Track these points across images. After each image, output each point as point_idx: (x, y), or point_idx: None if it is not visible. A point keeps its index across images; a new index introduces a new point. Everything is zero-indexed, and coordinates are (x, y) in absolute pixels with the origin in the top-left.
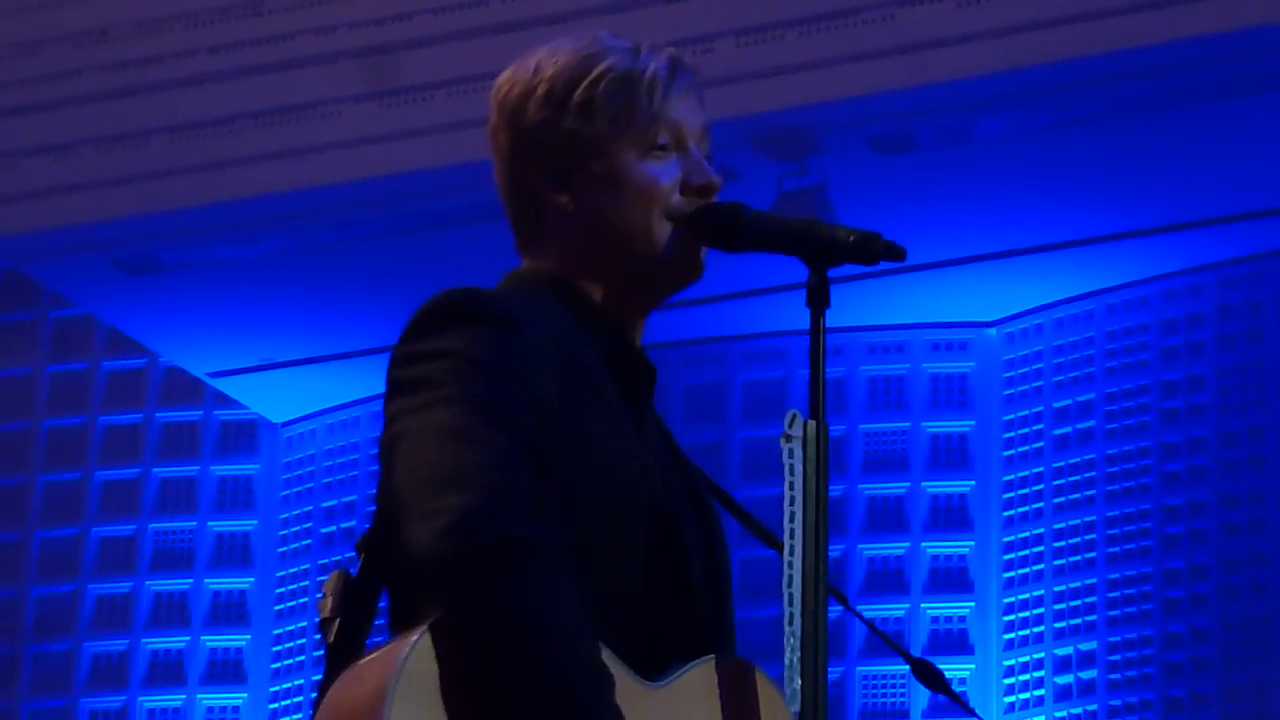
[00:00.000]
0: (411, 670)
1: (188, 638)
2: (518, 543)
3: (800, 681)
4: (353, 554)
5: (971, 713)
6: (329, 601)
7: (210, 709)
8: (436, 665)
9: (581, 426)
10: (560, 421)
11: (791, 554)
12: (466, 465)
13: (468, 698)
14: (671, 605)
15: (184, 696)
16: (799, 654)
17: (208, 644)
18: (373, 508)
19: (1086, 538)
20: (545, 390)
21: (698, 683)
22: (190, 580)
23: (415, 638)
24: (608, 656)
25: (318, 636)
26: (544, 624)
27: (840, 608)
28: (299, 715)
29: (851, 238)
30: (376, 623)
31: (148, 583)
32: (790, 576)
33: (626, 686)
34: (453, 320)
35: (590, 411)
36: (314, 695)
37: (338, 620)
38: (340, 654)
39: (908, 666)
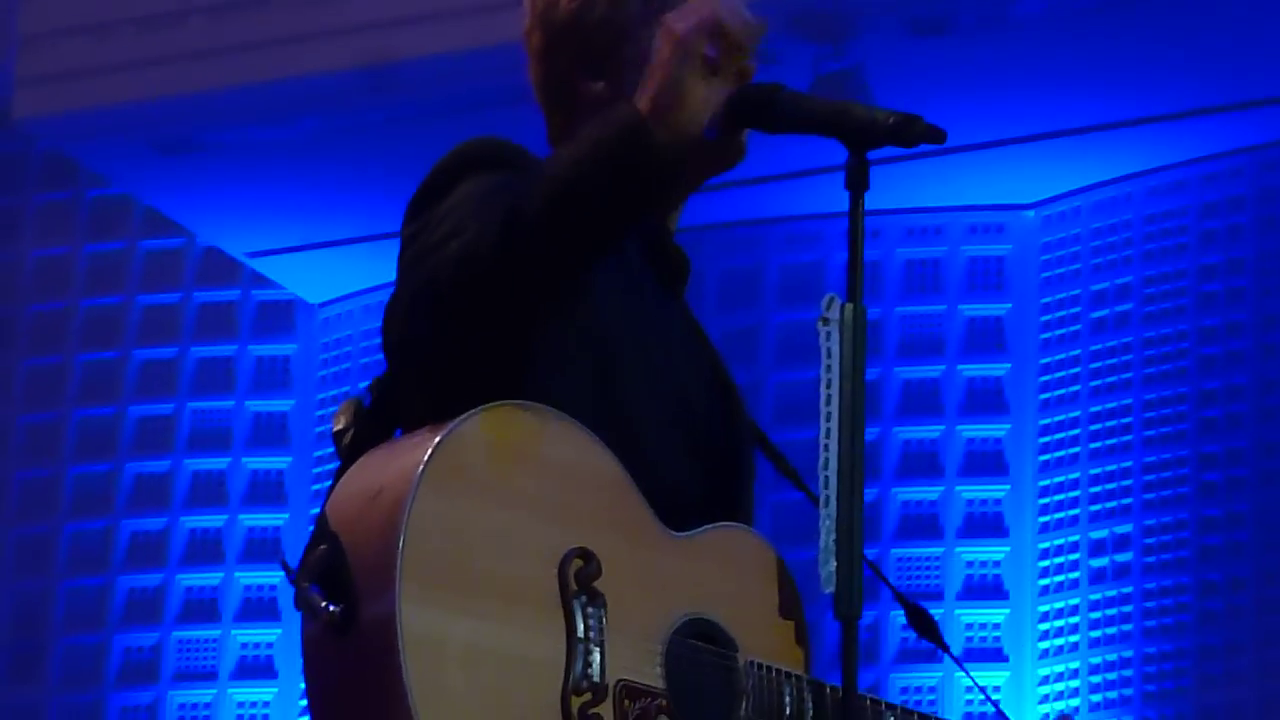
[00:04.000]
0: (449, 449)
1: (225, 516)
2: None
3: (835, 564)
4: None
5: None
6: (343, 417)
7: (248, 587)
8: (473, 452)
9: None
10: None
11: (828, 437)
12: (424, 262)
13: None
14: (688, 470)
15: (222, 575)
16: (834, 536)
17: (245, 523)
18: None
19: (1123, 421)
20: None
21: (719, 542)
22: (228, 459)
23: (454, 423)
24: (636, 498)
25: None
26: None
27: (874, 491)
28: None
29: (891, 119)
30: None
31: (186, 462)
32: (826, 460)
33: (646, 526)
34: (463, 166)
35: (604, 270)
36: None
37: (351, 432)
38: (353, 449)
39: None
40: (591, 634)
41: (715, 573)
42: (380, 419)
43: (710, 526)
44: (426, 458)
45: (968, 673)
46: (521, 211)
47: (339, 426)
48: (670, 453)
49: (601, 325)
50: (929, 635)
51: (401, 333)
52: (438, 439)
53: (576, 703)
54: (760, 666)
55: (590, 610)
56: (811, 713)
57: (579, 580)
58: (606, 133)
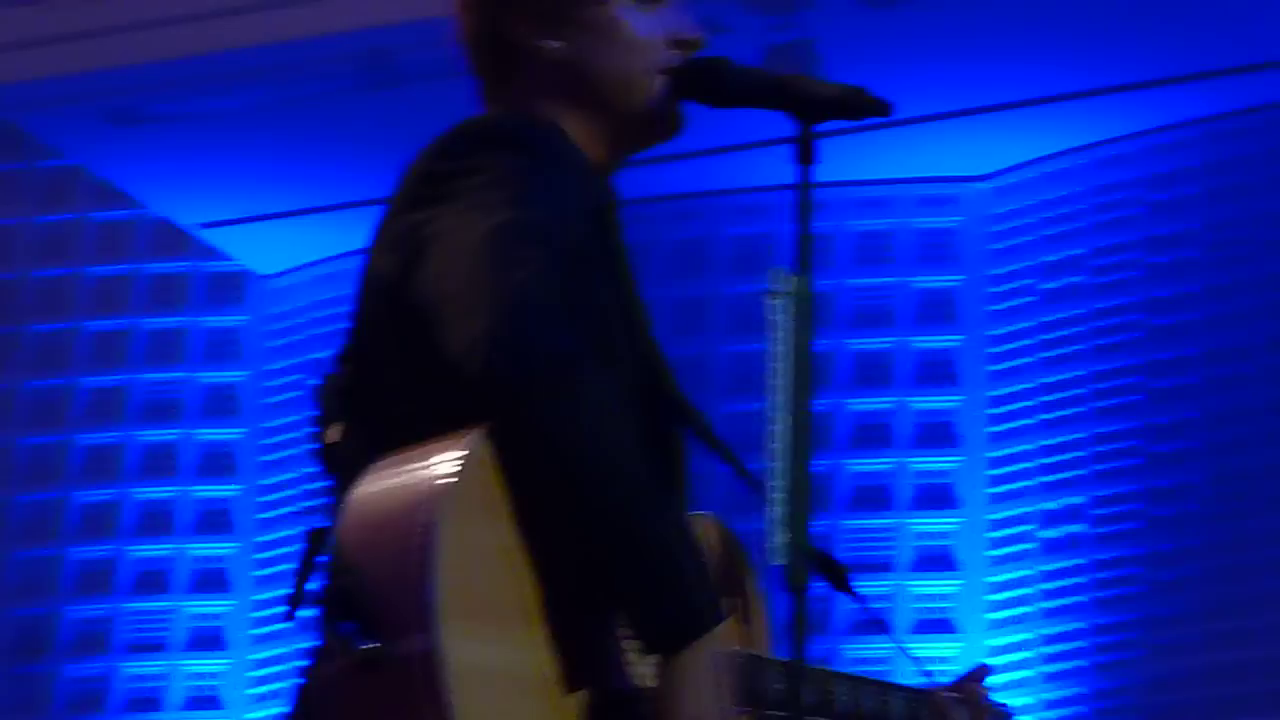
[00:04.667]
0: (471, 474)
1: (176, 489)
2: (566, 359)
3: (784, 536)
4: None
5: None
6: (327, 404)
7: (197, 559)
8: (492, 472)
9: (600, 267)
10: (585, 257)
11: (776, 409)
12: (506, 277)
13: (525, 507)
14: (664, 461)
15: (171, 547)
16: (783, 509)
17: (195, 494)
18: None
19: (1074, 392)
20: (579, 225)
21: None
22: (178, 431)
23: (471, 442)
24: None
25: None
26: (597, 445)
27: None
28: (285, 566)
29: (837, 92)
30: None
31: (136, 433)
32: (774, 433)
33: None
34: (489, 142)
35: (606, 256)
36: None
37: (337, 422)
38: (345, 454)
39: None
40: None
41: None
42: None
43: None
44: (453, 484)
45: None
46: (608, 447)
47: (324, 412)
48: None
49: (611, 322)
50: (838, 585)
51: (451, 362)
52: (459, 461)
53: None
54: (744, 655)
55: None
56: (783, 692)
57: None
58: (692, 602)
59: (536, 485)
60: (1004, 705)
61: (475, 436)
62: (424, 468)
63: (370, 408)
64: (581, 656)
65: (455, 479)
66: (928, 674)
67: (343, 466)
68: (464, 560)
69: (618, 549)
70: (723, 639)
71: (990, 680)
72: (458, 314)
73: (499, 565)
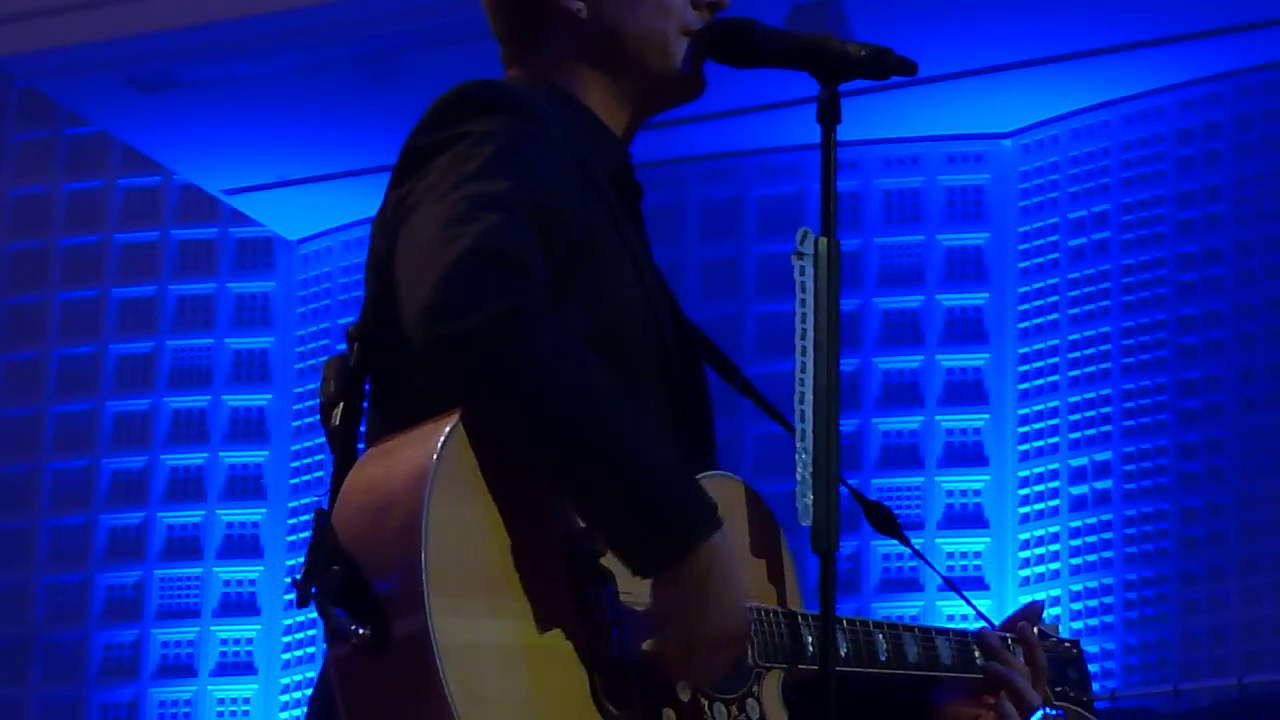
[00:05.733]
0: (451, 453)
1: (206, 454)
2: (502, 318)
3: (812, 497)
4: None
5: (920, 557)
6: (331, 385)
7: (230, 524)
8: (475, 449)
9: (590, 233)
10: (570, 222)
11: (803, 371)
12: (447, 250)
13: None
14: (674, 419)
15: (203, 512)
16: (810, 470)
17: (226, 460)
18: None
19: (1102, 348)
20: (560, 186)
21: (716, 493)
22: (208, 397)
23: (452, 422)
24: None
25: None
26: (555, 390)
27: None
28: (312, 523)
29: (862, 52)
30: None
31: (166, 399)
32: (802, 394)
33: None
34: (472, 108)
35: (601, 222)
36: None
37: (340, 404)
38: (344, 437)
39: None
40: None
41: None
42: (361, 379)
43: (703, 475)
44: (433, 465)
45: (936, 571)
46: (582, 379)
47: (327, 396)
48: (655, 396)
49: (605, 281)
50: (889, 530)
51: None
52: (439, 442)
53: (605, 686)
54: (760, 611)
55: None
56: (812, 648)
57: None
58: (679, 507)
59: (511, 446)
60: (1067, 639)
61: (457, 417)
62: (409, 451)
63: (376, 389)
64: (575, 627)
65: (437, 459)
66: (982, 616)
67: (344, 449)
68: (452, 539)
69: (599, 480)
70: (723, 548)
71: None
72: (406, 295)
73: (488, 541)
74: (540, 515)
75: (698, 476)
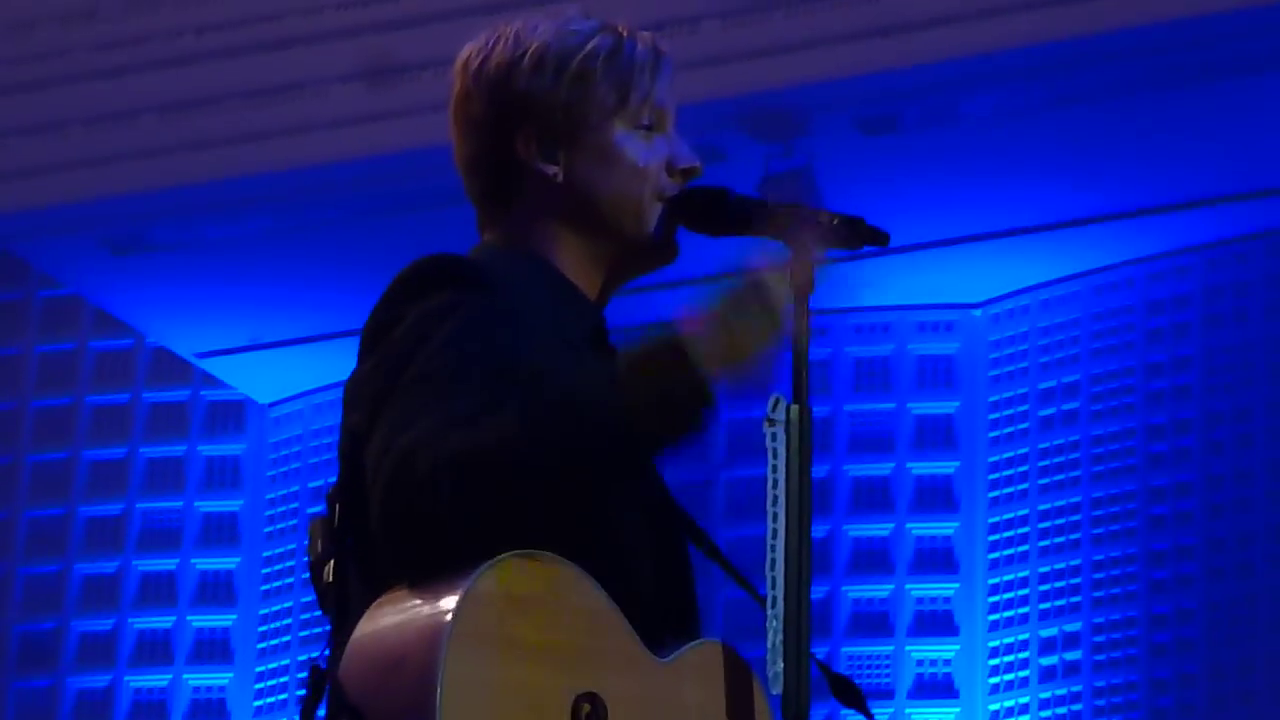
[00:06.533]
0: (467, 611)
1: (174, 617)
2: (448, 466)
3: (783, 664)
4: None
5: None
6: (318, 544)
7: (196, 688)
8: (492, 608)
9: None
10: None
11: (774, 537)
12: (398, 440)
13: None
14: (657, 584)
15: (170, 676)
16: (781, 636)
17: (194, 624)
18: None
19: (1072, 519)
20: (526, 355)
21: (698, 661)
22: (177, 560)
23: (467, 579)
24: (626, 629)
25: (306, 574)
26: (550, 421)
27: (824, 588)
28: (285, 695)
29: (835, 222)
30: None
31: (135, 562)
32: (773, 560)
33: (638, 656)
34: (433, 284)
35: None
36: (305, 662)
37: (330, 561)
38: (339, 594)
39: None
40: None
41: (701, 693)
42: (345, 540)
43: (689, 645)
44: (450, 623)
45: None
46: (581, 428)
47: (315, 555)
48: (644, 561)
49: None
50: (855, 705)
51: (417, 498)
52: (457, 600)
53: None
54: None
55: None
56: None
57: None
58: (685, 403)
59: (552, 487)
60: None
61: (476, 573)
62: (423, 606)
63: (360, 549)
64: None
65: (455, 616)
66: None
67: (338, 605)
68: (468, 700)
69: (618, 440)
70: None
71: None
72: (371, 485)
73: (504, 701)
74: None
75: (694, 643)
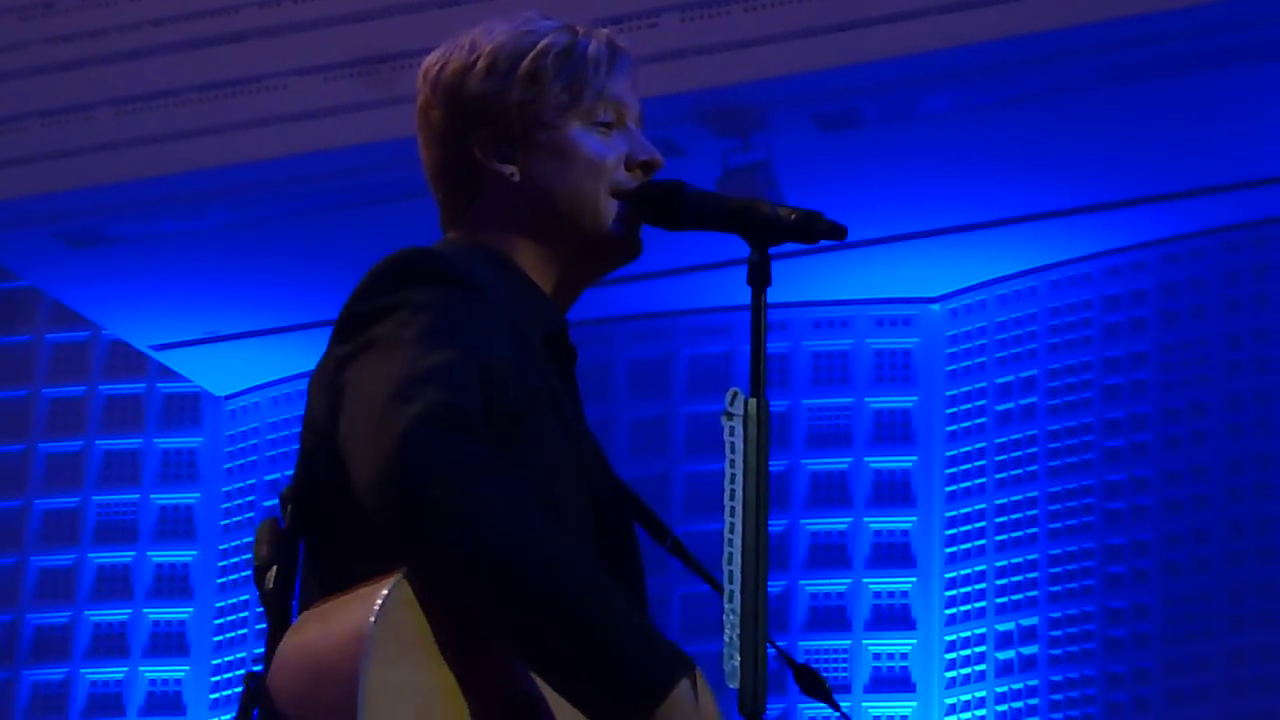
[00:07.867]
0: (389, 615)
1: (130, 610)
2: (452, 486)
3: (740, 658)
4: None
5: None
6: (264, 549)
7: (153, 681)
8: (414, 612)
9: (526, 400)
10: (507, 390)
11: (731, 531)
12: (392, 425)
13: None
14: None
15: (126, 669)
16: (738, 631)
17: (150, 616)
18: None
19: (1029, 514)
20: (497, 355)
21: None
22: (133, 553)
23: (389, 585)
24: None
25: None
26: (505, 553)
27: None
28: (242, 688)
29: (793, 216)
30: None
31: (91, 555)
32: (730, 554)
33: None
34: (408, 277)
35: (536, 388)
36: (259, 650)
37: (274, 567)
38: (279, 601)
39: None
40: None
41: None
42: (295, 541)
43: None
44: (370, 627)
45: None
46: (540, 557)
47: (260, 559)
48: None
49: (539, 447)
50: (818, 694)
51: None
52: (376, 604)
53: None
54: None
55: None
56: None
57: None
58: (654, 654)
59: (472, 608)
60: None
61: (395, 579)
62: (345, 614)
63: (310, 551)
64: None
65: (374, 622)
66: None
67: (279, 613)
68: (391, 705)
69: (567, 638)
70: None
71: None
72: (356, 467)
73: (427, 706)
74: (481, 677)
75: None
